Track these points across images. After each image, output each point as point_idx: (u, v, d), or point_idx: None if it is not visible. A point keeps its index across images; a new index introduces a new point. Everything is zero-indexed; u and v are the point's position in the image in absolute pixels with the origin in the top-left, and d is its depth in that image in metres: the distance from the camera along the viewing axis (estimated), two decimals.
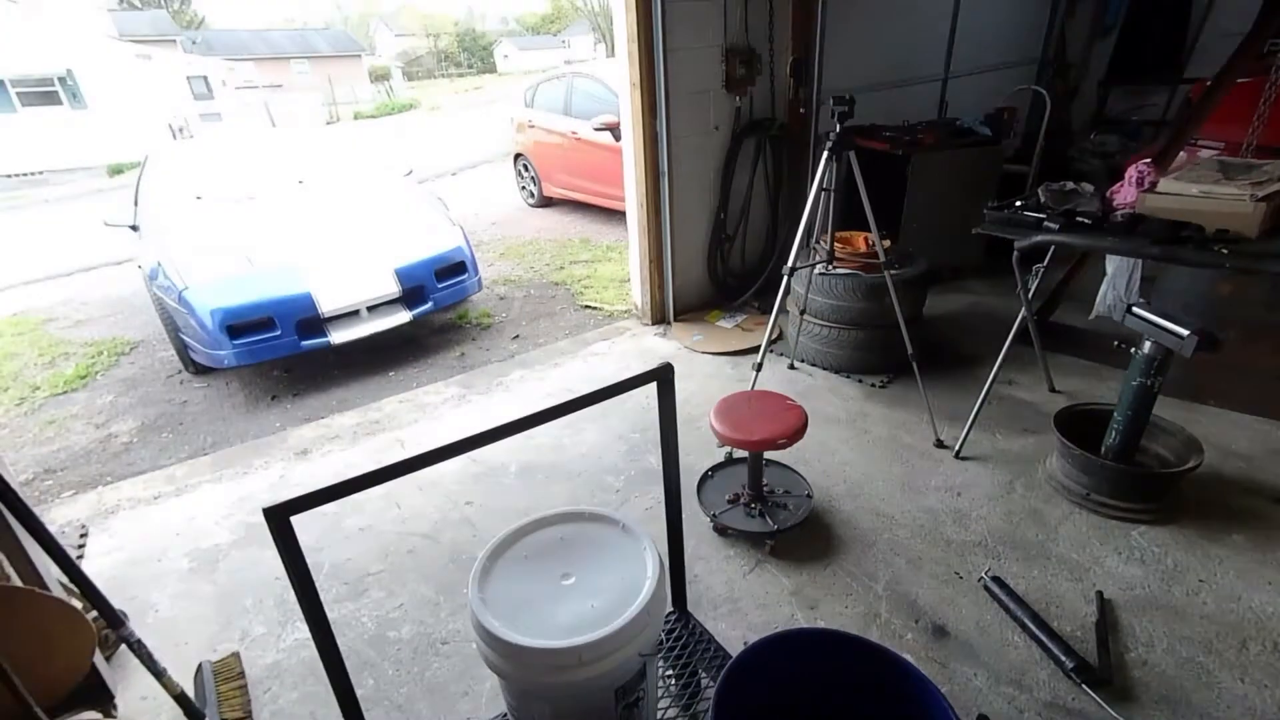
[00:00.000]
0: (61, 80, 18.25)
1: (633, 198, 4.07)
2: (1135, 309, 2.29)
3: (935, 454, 2.85)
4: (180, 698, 1.72)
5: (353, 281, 3.94)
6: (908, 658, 1.27)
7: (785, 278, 2.95)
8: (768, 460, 2.68)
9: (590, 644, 1.22)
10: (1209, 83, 3.32)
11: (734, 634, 2.04)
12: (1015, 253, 2.55)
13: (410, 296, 4.13)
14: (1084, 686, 1.79)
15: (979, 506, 2.53)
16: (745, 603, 2.16)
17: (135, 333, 5.13)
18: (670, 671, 1.72)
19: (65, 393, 4.20)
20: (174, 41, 26.48)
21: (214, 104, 22.31)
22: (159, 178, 4.66)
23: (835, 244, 3.23)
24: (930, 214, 4.17)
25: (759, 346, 3.10)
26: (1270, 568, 2.15)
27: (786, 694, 1.33)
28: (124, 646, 1.97)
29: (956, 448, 2.83)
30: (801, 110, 4.27)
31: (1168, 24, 5.29)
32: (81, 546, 2.59)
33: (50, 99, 18.20)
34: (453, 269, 4.33)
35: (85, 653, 1.71)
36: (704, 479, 2.64)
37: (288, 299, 3.74)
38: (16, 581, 1.73)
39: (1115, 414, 2.43)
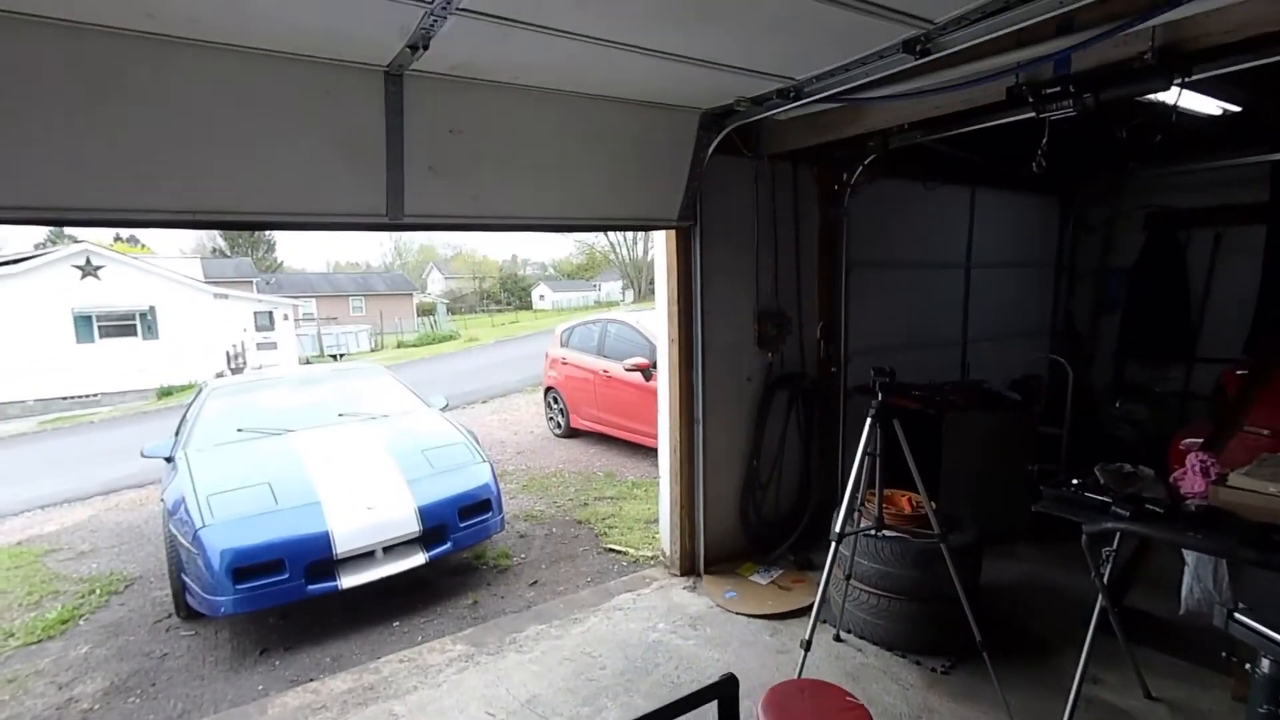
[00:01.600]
0: (142, 315, 20.24)
1: (666, 442, 4.09)
2: (1239, 615, 2.05)
3: None
4: None
5: (374, 519, 3.82)
6: None
7: (834, 544, 2.78)
8: None
9: None
10: (1240, 370, 3.43)
11: None
12: (1084, 537, 2.39)
13: (429, 536, 3.97)
14: None
15: None
16: None
17: (136, 566, 4.93)
18: None
19: (40, 641, 3.87)
20: (250, 283, 29.97)
21: (273, 334, 24.48)
22: (207, 411, 4.85)
23: (885, 511, 3.10)
24: (968, 476, 4.10)
25: (799, 610, 2.82)
26: None
27: None
28: None
29: None
30: (833, 369, 4.49)
31: (1168, 306, 5.68)
32: None
33: (127, 331, 19.97)
34: (477, 507, 4.22)
35: None
36: None
37: (303, 538, 3.60)
38: None
39: None
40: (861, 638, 3.29)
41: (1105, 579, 2.56)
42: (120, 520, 6.13)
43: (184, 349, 19.90)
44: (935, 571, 2.95)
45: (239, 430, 4.62)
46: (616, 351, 7.24)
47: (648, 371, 6.45)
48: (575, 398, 8.08)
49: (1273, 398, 3.44)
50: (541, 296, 57.12)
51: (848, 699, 2.12)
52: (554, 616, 3.64)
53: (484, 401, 12.02)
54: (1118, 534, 2.49)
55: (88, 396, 18.35)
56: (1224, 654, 2.08)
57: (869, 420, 2.75)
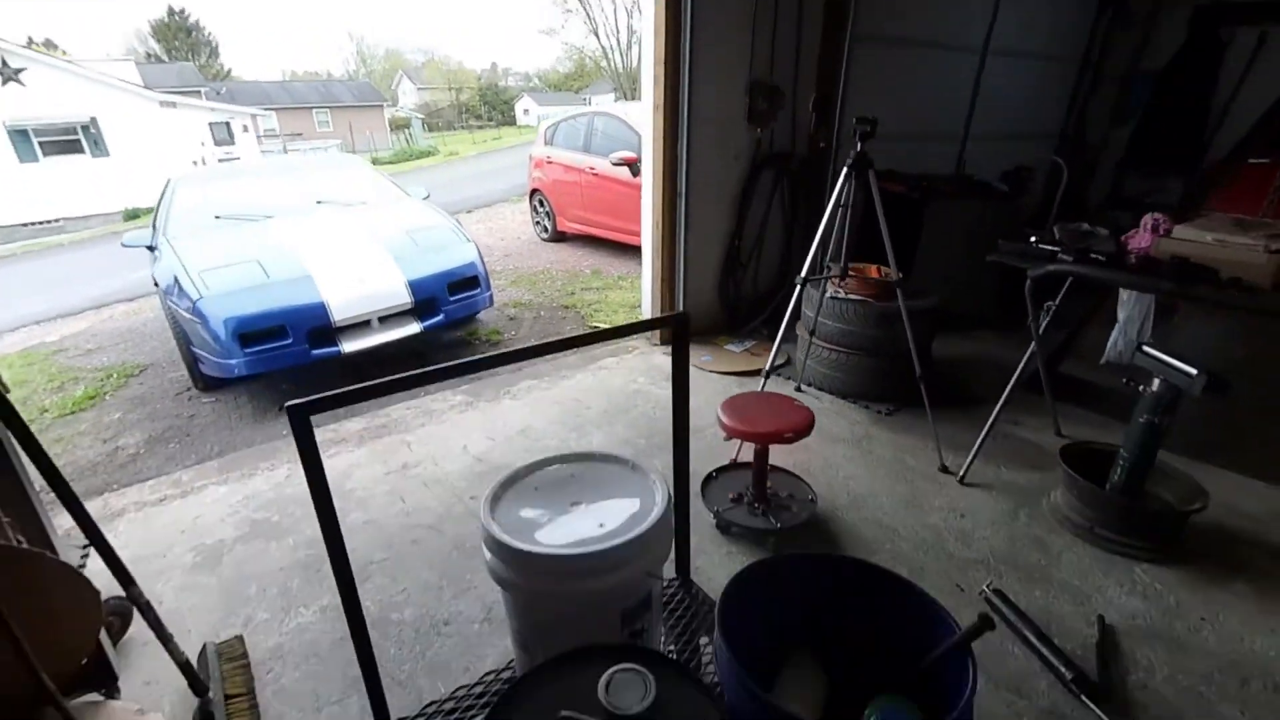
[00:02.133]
0: (84, 128, 18.61)
1: (649, 218, 4.17)
2: (1146, 347, 2.32)
3: (939, 478, 2.84)
4: (185, 666, 1.70)
5: (366, 292, 4.02)
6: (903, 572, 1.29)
7: (797, 288, 3.01)
8: (773, 467, 2.67)
9: (598, 552, 1.23)
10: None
11: None
12: (1029, 283, 2.60)
13: (422, 309, 4.20)
14: (1083, 698, 1.74)
15: (982, 528, 2.50)
16: None
17: (145, 358, 5.18)
18: (671, 636, 1.70)
19: (73, 413, 4.22)
20: (199, 92, 27.45)
21: (235, 149, 23.05)
22: (179, 201, 4.81)
23: (850, 271, 3.29)
24: (944, 260, 4.24)
25: (760, 370, 3.13)
26: (1274, 616, 2.10)
27: (784, 610, 1.37)
28: (127, 637, 1.95)
29: (961, 474, 2.82)
30: (821, 145, 4.42)
31: (1188, 117, 5.49)
32: (85, 554, 2.56)
33: (73, 148, 18.48)
34: (465, 283, 4.42)
35: (92, 628, 1.67)
36: (708, 480, 2.63)
37: (300, 308, 3.80)
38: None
39: (1121, 450, 2.41)
40: (820, 389, 3.68)
41: (1040, 329, 2.81)
42: (118, 327, 6.31)
43: (138, 166, 18.54)
44: (893, 332, 3.24)
45: (216, 217, 4.63)
46: (603, 148, 7.01)
47: (635, 166, 6.32)
48: (562, 200, 7.98)
49: (1244, 189, 3.51)
50: (526, 111, 53.35)
51: (796, 403, 2.46)
52: (544, 375, 3.99)
53: (469, 211, 11.82)
54: (1064, 289, 2.72)
55: (49, 223, 17.48)
56: (1124, 380, 2.38)
57: (844, 170, 2.83)
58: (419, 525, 2.54)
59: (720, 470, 2.69)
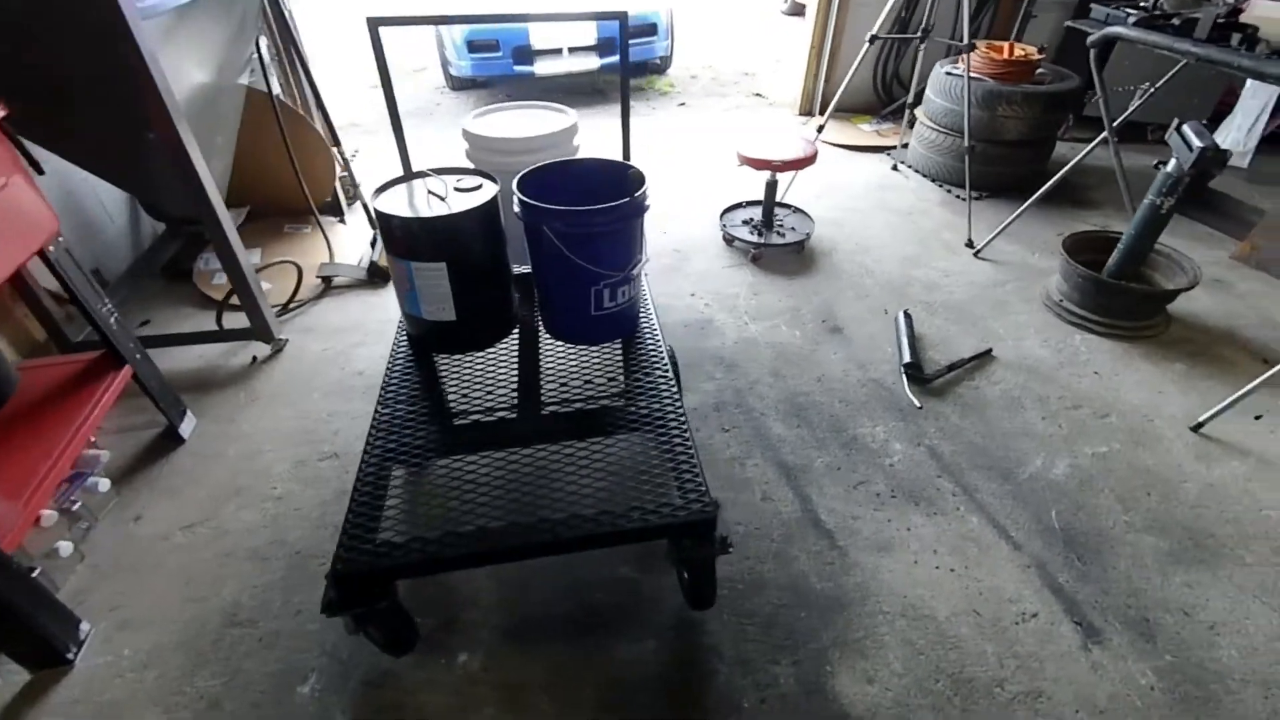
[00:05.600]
0: None
1: None
2: (1183, 129, 2.24)
3: (959, 250, 3.08)
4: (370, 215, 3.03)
5: (560, 26, 4.84)
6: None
7: (920, 41, 3.17)
8: (788, 205, 3.19)
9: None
10: None
11: (685, 286, 2.79)
12: (1091, 52, 2.50)
13: (603, 48, 4.93)
14: (902, 374, 2.26)
15: (957, 287, 2.82)
16: (712, 281, 2.86)
17: (420, 64, 6.72)
18: None
19: (374, 87, 5.92)
20: None
21: None
22: None
23: (984, 48, 3.25)
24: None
25: (876, 148, 3.41)
26: (1176, 384, 2.27)
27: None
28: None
29: (978, 248, 3.02)
30: None
31: None
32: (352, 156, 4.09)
33: None
34: (645, 29, 4.99)
35: (332, 179, 3.06)
36: (734, 206, 3.25)
37: (507, 29, 4.78)
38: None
39: (1126, 233, 2.47)
40: (915, 171, 3.81)
41: (1106, 99, 2.62)
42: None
43: None
44: (994, 113, 3.23)
45: None
46: None
47: None
48: None
49: None
50: None
51: (809, 144, 2.89)
52: (684, 113, 4.63)
53: None
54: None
55: None
56: (1155, 164, 2.35)
57: None
58: None
59: (749, 203, 3.27)
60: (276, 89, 2.82)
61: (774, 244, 2.98)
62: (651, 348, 1.82)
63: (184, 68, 2.14)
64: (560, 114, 2.48)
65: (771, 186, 2.99)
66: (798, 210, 3.23)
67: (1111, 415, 2.15)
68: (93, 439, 1.91)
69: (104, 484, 1.83)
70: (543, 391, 1.85)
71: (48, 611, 1.44)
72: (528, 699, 1.41)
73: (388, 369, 1.73)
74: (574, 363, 1.99)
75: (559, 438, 1.62)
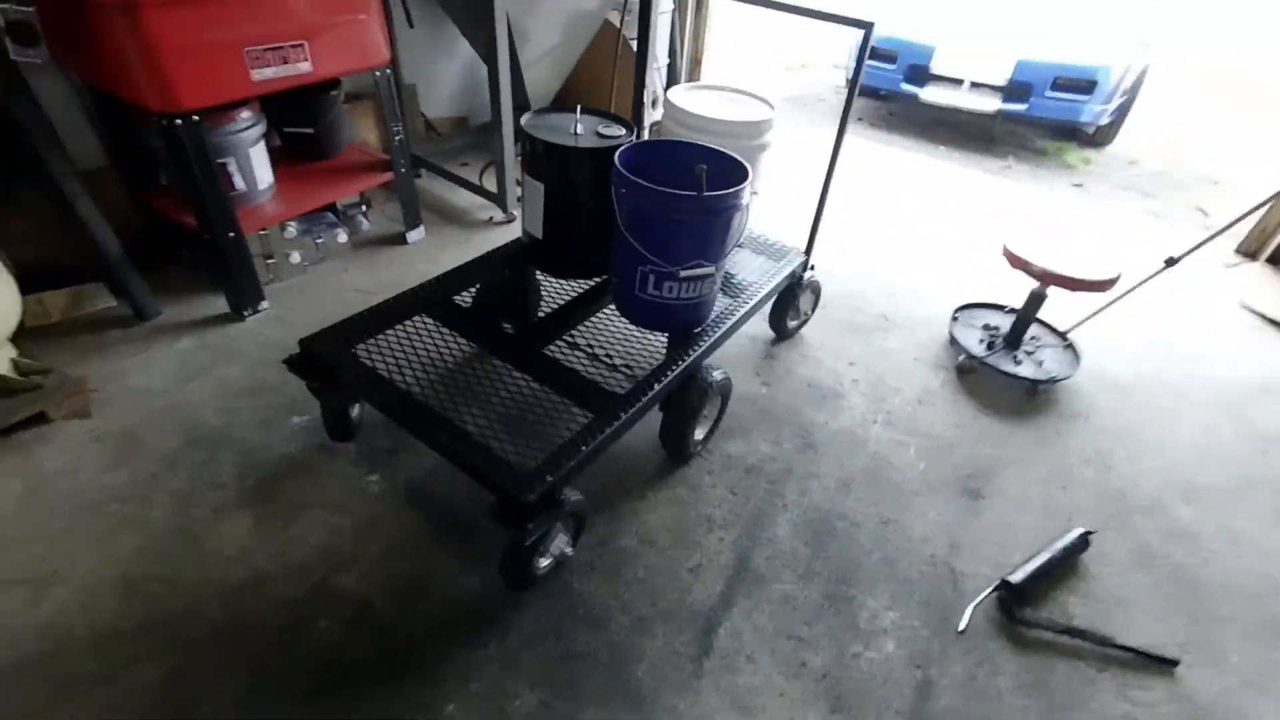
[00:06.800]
0: None
1: None
2: None
3: None
4: None
5: (972, 56, 4.27)
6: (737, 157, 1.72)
7: None
8: (1060, 333, 2.45)
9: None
10: None
11: (852, 350, 2.40)
12: None
13: (1012, 90, 4.21)
14: (993, 588, 1.64)
15: None
16: (888, 363, 2.40)
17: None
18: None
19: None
20: None
21: None
22: None
23: None
24: None
25: None
26: None
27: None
28: None
29: None
30: None
31: None
32: None
33: None
34: (1078, 84, 4.08)
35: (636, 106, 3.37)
36: (985, 305, 2.64)
37: (912, 43, 4.42)
38: None
39: None
40: None
41: None
42: None
43: None
44: None
45: None
46: None
47: None
48: None
49: None
50: None
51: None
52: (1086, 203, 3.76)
53: None
54: None
55: None
56: None
57: None
58: None
59: (1008, 309, 2.59)
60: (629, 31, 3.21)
61: (1000, 366, 2.32)
62: (684, 360, 1.72)
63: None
64: (760, 105, 2.31)
65: (1036, 300, 2.31)
66: (1069, 345, 2.44)
67: None
68: (364, 208, 2.74)
69: (343, 236, 2.58)
70: (562, 336, 1.93)
71: (250, 281, 2.18)
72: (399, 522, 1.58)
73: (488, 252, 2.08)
74: (618, 333, 1.98)
75: (534, 374, 1.69)
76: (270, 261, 2.31)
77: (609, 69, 3.28)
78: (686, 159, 1.66)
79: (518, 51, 2.78)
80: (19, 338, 1.91)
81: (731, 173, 1.64)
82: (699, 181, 1.51)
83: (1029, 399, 2.29)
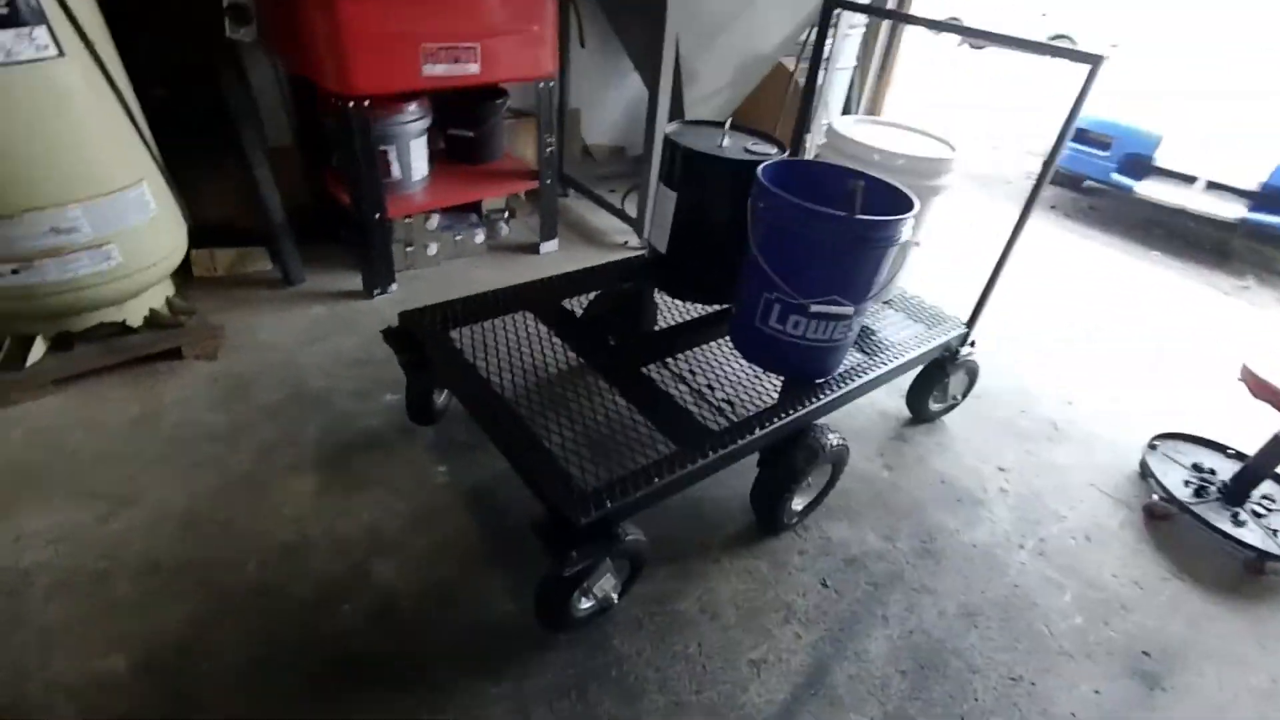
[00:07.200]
0: None
1: None
2: None
3: None
4: None
5: (1214, 152, 3.63)
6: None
7: None
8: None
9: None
10: None
11: (1006, 457, 1.99)
12: None
13: (1268, 198, 3.50)
14: None
15: None
16: (1050, 480, 1.95)
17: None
18: None
19: None
20: None
21: None
22: None
23: None
24: None
25: None
26: None
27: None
28: None
29: None
30: None
31: None
32: None
33: None
34: None
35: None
36: (1192, 439, 2.08)
37: (1133, 130, 3.84)
38: None
39: None
40: None
41: None
42: None
43: None
44: None
45: None
46: None
47: None
48: None
49: None
50: None
51: None
52: None
53: None
54: None
55: None
56: None
57: None
58: None
59: (1230, 452, 2.01)
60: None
61: (1211, 520, 1.78)
62: (797, 409, 1.48)
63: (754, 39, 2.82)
64: (938, 144, 1.97)
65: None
66: None
67: None
68: (507, 215, 2.82)
69: (480, 237, 2.67)
70: (664, 358, 1.78)
71: (385, 263, 2.28)
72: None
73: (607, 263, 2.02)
74: (728, 369, 1.77)
75: (624, 390, 1.56)
76: (409, 249, 2.42)
77: (775, 111, 3.18)
78: (840, 184, 1.45)
79: (684, 88, 2.76)
80: (186, 284, 2.12)
81: (892, 205, 1.41)
82: (851, 199, 1.30)
83: (1252, 576, 1.73)
